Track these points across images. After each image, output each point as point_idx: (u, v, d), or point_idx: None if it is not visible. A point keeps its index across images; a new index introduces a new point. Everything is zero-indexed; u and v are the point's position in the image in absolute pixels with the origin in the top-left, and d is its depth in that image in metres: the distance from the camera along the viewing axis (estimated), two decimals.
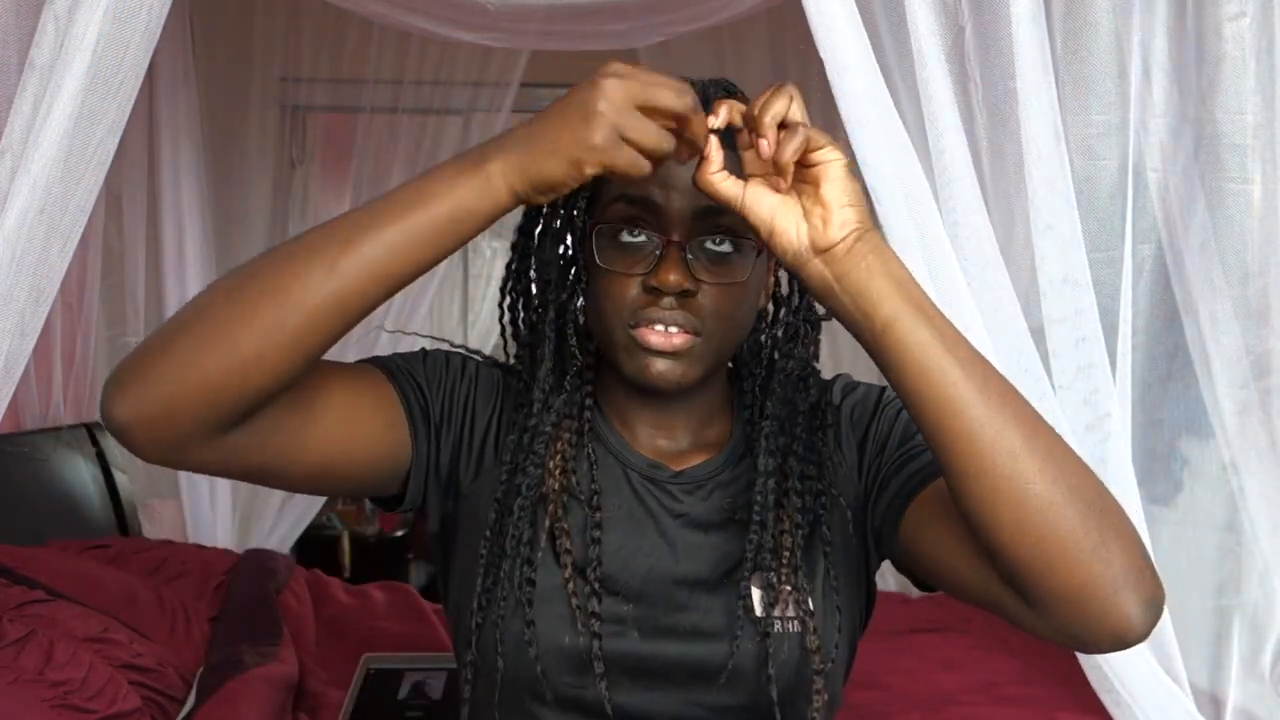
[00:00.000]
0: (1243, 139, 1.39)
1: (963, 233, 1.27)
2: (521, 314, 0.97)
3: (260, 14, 3.03)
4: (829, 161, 0.74)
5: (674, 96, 0.72)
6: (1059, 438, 0.76)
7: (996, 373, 0.77)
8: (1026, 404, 0.76)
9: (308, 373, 0.78)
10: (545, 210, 0.92)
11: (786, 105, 0.74)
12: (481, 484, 0.93)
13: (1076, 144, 1.35)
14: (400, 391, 0.90)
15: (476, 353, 0.99)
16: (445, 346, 0.98)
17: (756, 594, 0.88)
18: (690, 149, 0.76)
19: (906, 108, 1.29)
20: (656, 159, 0.74)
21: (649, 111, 0.72)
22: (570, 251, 0.93)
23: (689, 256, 0.84)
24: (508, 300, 0.97)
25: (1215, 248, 1.40)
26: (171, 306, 2.89)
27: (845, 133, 1.24)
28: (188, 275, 2.89)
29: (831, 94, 1.20)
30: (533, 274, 0.95)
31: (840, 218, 0.74)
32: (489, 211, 0.74)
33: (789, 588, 0.89)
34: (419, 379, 0.92)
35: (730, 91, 0.89)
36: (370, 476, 0.89)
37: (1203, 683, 1.47)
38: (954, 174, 1.27)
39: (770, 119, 0.73)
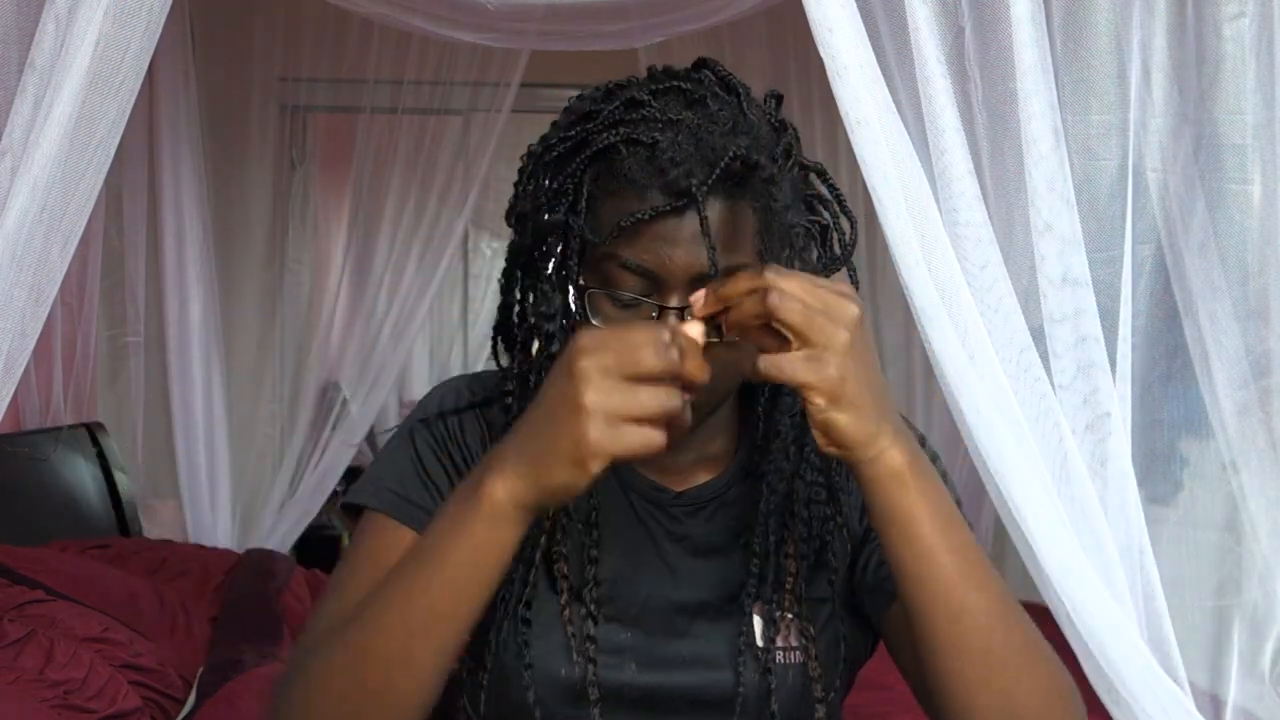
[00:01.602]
0: (1243, 139, 1.38)
1: (963, 233, 1.27)
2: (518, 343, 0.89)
3: (260, 14, 3.03)
4: (808, 405, 0.68)
5: (655, 357, 0.64)
6: (1015, 646, 0.73)
7: (977, 571, 0.73)
8: (995, 614, 0.73)
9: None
10: (527, 266, 0.85)
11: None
12: None
13: (1076, 144, 1.35)
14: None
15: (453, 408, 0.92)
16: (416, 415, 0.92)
17: (758, 623, 0.86)
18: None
19: (906, 108, 1.29)
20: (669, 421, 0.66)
21: (639, 378, 0.64)
22: (563, 302, 0.86)
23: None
24: (500, 330, 0.90)
25: (1215, 248, 1.40)
26: (171, 306, 2.89)
27: (846, 132, 1.25)
28: (188, 275, 2.89)
29: (831, 94, 1.20)
30: (528, 310, 0.88)
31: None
32: (508, 540, 0.69)
33: (791, 616, 0.87)
34: (429, 503, 0.86)
35: (727, 82, 0.83)
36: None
37: (1203, 683, 1.47)
38: (954, 174, 1.27)
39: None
